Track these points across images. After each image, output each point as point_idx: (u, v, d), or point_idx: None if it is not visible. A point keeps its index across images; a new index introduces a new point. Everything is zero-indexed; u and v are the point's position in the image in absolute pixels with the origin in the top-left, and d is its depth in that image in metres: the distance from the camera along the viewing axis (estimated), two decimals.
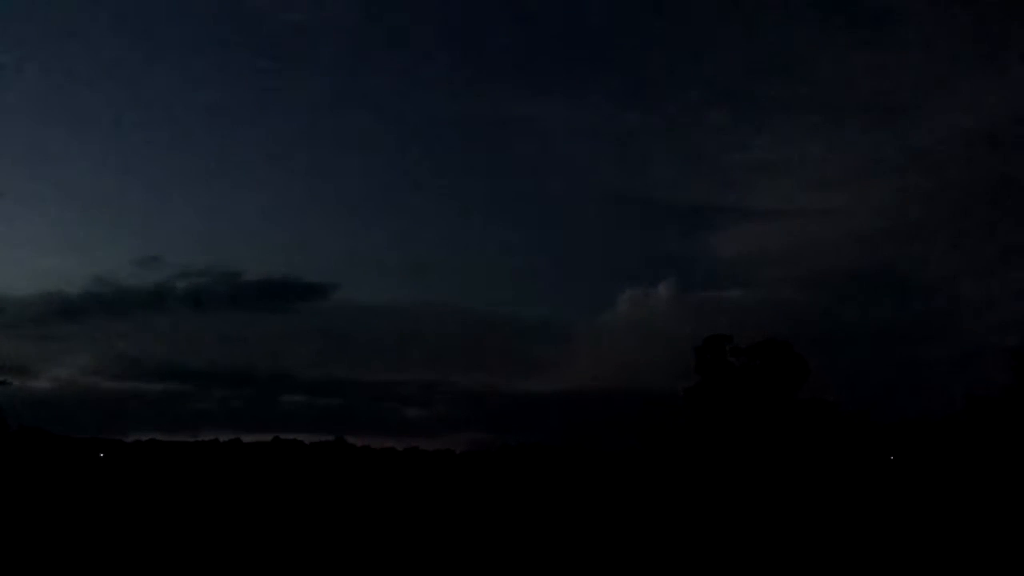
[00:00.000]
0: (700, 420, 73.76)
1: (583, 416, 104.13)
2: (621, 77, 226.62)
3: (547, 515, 33.95)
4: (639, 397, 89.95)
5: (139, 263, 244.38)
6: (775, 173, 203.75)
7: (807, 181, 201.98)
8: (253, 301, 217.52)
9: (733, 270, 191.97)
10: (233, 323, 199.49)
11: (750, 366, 73.80)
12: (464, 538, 25.31)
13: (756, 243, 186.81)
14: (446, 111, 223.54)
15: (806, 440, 71.01)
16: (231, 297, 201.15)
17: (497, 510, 36.99)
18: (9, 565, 19.15)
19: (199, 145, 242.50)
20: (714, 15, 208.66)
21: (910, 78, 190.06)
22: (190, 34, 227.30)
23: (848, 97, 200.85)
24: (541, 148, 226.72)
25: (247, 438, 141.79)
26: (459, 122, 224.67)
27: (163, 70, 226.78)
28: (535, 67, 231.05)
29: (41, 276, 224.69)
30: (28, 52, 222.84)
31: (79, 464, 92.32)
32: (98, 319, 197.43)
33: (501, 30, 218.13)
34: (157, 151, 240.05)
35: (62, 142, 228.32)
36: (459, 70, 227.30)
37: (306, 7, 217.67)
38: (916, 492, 49.94)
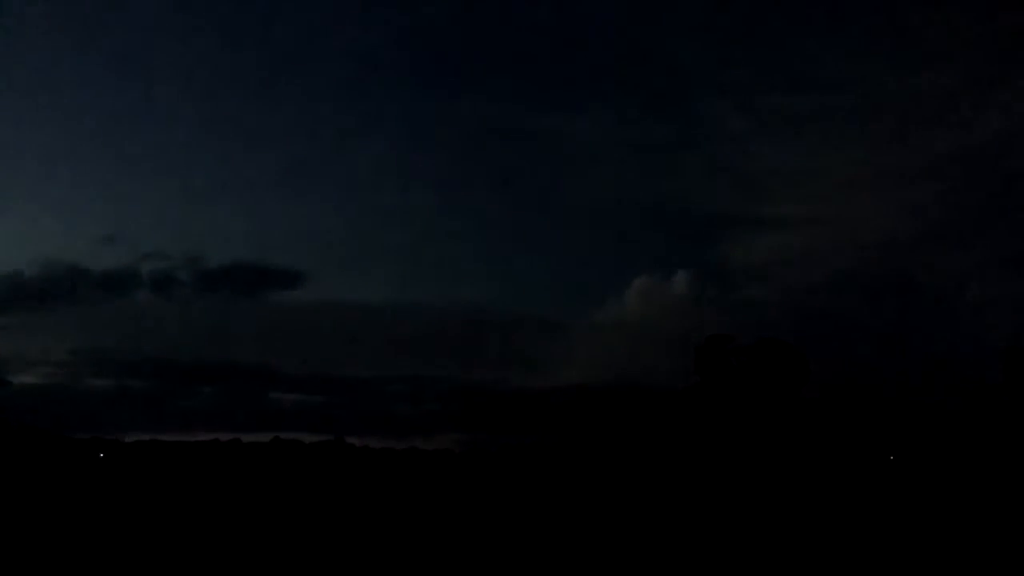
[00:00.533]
0: (700, 419, 73.90)
1: (584, 413, 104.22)
2: (642, 88, 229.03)
3: (547, 514, 33.98)
4: (643, 394, 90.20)
5: (98, 244, 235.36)
6: (792, 181, 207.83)
7: (824, 189, 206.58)
8: (221, 287, 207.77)
9: (747, 274, 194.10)
10: (205, 312, 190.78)
11: (750, 366, 74.00)
12: (465, 538, 25.35)
13: (771, 249, 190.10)
14: (464, 118, 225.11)
15: (806, 439, 71.11)
16: (197, 283, 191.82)
17: (497, 510, 37.01)
18: (9, 565, 19.20)
19: (160, 122, 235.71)
20: (736, 28, 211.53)
21: (925, 90, 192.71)
22: (162, 16, 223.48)
23: (864, 107, 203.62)
24: (558, 157, 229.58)
25: (229, 437, 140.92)
26: (474, 130, 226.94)
27: (128, 49, 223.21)
28: (557, 79, 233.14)
29: None
30: None
31: (79, 464, 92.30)
32: (61, 306, 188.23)
33: (523, 43, 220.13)
34: (116, 128, 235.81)
35: (14, 116, 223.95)
36: (480, 80, 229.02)
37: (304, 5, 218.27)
38: (915, 490, 50.02)
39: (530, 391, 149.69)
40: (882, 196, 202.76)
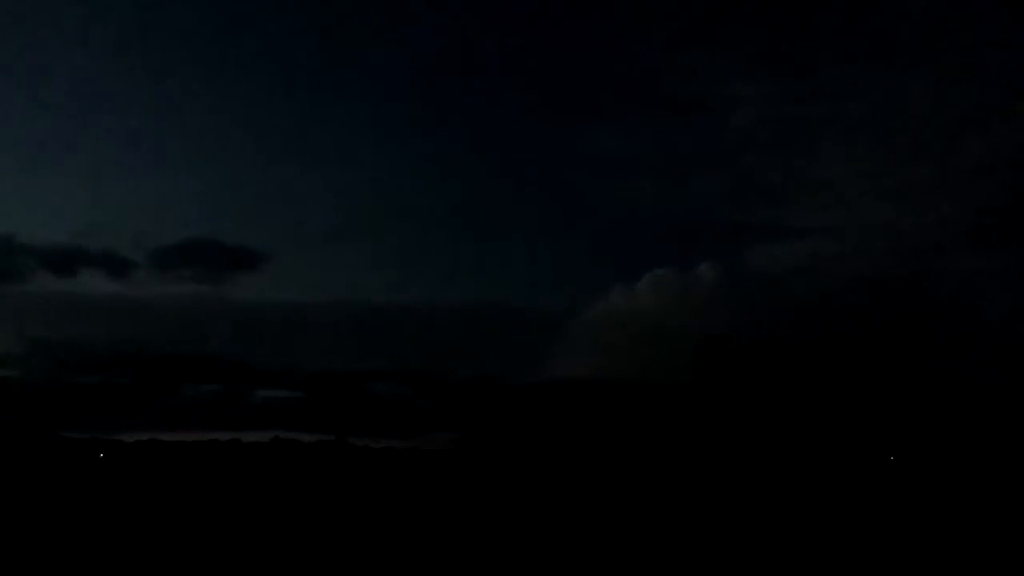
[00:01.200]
0: (698, 415, 74.04)
1: (586, 409, 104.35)
2: (671, 100, 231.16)
3: (547, 511, 33.94)
4: (645, 390, 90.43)
5: (33, 217, 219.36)
6: (812, 190, 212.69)
7: (841, 198, 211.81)
8: (178, 267, 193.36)
9: (762, 278, 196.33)
10: (161, 297, 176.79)
11: (749, 365, 74.17)
12: (465, 537, 25.33)
13: (788, 255, 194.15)
14: (494, 133, 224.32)
15: (806, 438, 71.10)
16: (153, 263, 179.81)
17: (497, 508, 36.97)
18: (9, 565, 19.17)
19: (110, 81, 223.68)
20: (760, 42, 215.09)
21: (944, 103, 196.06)
22: None
23: (884, 119, 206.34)
24: (580, 164, 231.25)
25: (228, 437, 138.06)
26: (510, 146, 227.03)
27: (70, 17, 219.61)
28: (586, 91, 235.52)
29: None
30: None
31: (79, 464, 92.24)
32: (5, 288, 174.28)
33: (551, 56, 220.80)
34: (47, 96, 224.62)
35: None
36: (514, 92, 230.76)
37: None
38: (915, 490, 50.00)
39: (531, 386, 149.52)
40: (899, 205, 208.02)
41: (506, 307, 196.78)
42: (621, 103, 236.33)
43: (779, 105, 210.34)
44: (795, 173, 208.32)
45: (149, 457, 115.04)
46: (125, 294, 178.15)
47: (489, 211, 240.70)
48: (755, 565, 20.13)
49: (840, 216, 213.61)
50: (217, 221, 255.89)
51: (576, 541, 24.47)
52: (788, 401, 76.42)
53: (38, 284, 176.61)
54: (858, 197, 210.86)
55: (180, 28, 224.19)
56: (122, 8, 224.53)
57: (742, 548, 22.94)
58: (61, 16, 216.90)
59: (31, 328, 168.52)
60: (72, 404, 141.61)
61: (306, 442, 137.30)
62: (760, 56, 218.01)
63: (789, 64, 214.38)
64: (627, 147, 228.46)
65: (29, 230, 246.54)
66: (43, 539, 23.56)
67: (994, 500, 41.36)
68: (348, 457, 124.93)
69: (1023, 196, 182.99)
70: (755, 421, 73.21)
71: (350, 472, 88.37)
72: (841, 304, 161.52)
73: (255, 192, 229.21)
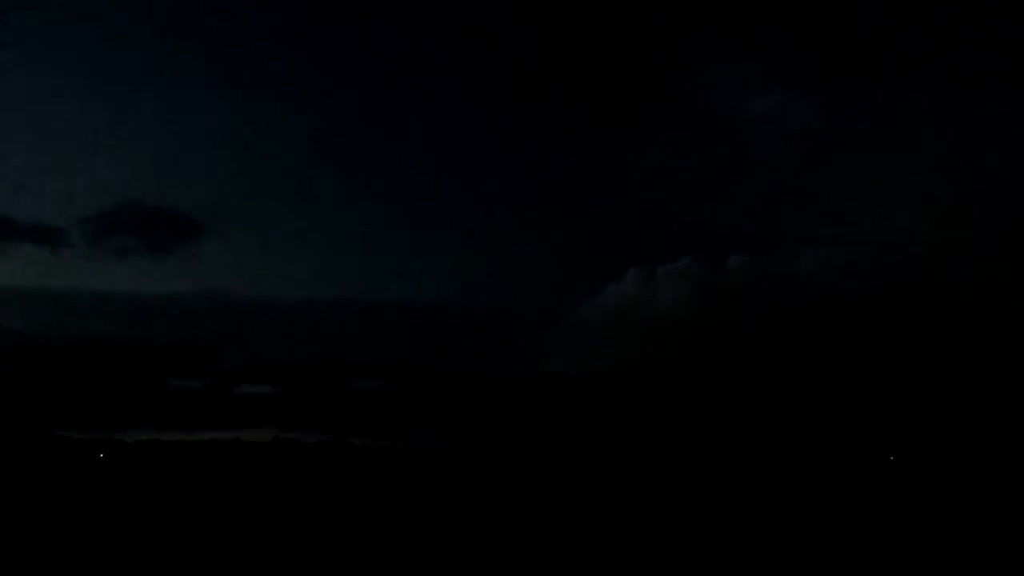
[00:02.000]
0: (697, 413, 74.16)
1: (587, 404, 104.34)
2: (693, 114, 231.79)
3: (549, 510, 33.94)
4: (646, 387, 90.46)
5: None
6: (838, 203, 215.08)
7: (861, 209, 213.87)
8: (115, 237, 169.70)
9: (776, 283, 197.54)
10: (107, 274, 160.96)
11: (751, 363, 74.28)
12: (464, 535, 25.34)
13: (811, 264, 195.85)
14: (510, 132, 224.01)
15: (806, 437, 71.22)
16: (86, 233, 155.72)
17: (495, 505, 36.97)
18: (9, 565, 19.18)
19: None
20: (789, 56, 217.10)
21: (966, 117, 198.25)
22: None
23: (911, 132, 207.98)
24: (598, 180, 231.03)
25: (205, 435, 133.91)
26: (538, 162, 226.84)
27: None
28: (616, 107, 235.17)
29: None
30: None
31: (79, 464, 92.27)
32: None
33: (571, 73, 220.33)
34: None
35: None
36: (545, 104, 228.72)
37: None
38: (915, 490, 50.02)
39: (529, 381, 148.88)
40: (917, 215, 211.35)
41: (506, 303, 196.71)
42: (642, 113, 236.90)
43: (802, 119, 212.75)
44: (815, 183, 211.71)
45: (148, 457, 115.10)
46: (60, 271, 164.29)
47: (492, 209, 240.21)
48: (753, 564, 20.14)
49: (858, 225, 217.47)
50: (148, 183, 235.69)
51: (575, 538, 24.48)
52: (788, 401, 76.67)
53: None
54: (877, 207, 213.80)
55: None
56: None
57: (739, 548, 22.95)
58: None
59: None
60: (49, 400, 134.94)
61: (306, 442, 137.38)
62: (784, 70, 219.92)
63: (812, 78, 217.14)
64: (647, 158, 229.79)
65: None
66: (41, 539, 23.58)
67: (994, 501, 41.39)
68: (348, 457, 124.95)
69: None
70: (754, 420, 73.37)
71: (352, 472, 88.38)
72: (849, 308, 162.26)
73: (198, 149, 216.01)
